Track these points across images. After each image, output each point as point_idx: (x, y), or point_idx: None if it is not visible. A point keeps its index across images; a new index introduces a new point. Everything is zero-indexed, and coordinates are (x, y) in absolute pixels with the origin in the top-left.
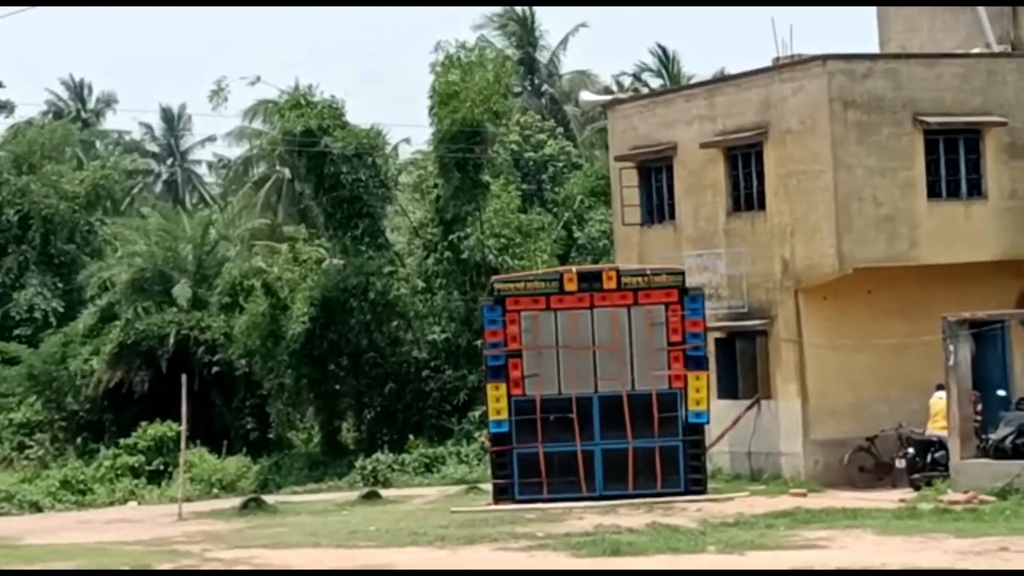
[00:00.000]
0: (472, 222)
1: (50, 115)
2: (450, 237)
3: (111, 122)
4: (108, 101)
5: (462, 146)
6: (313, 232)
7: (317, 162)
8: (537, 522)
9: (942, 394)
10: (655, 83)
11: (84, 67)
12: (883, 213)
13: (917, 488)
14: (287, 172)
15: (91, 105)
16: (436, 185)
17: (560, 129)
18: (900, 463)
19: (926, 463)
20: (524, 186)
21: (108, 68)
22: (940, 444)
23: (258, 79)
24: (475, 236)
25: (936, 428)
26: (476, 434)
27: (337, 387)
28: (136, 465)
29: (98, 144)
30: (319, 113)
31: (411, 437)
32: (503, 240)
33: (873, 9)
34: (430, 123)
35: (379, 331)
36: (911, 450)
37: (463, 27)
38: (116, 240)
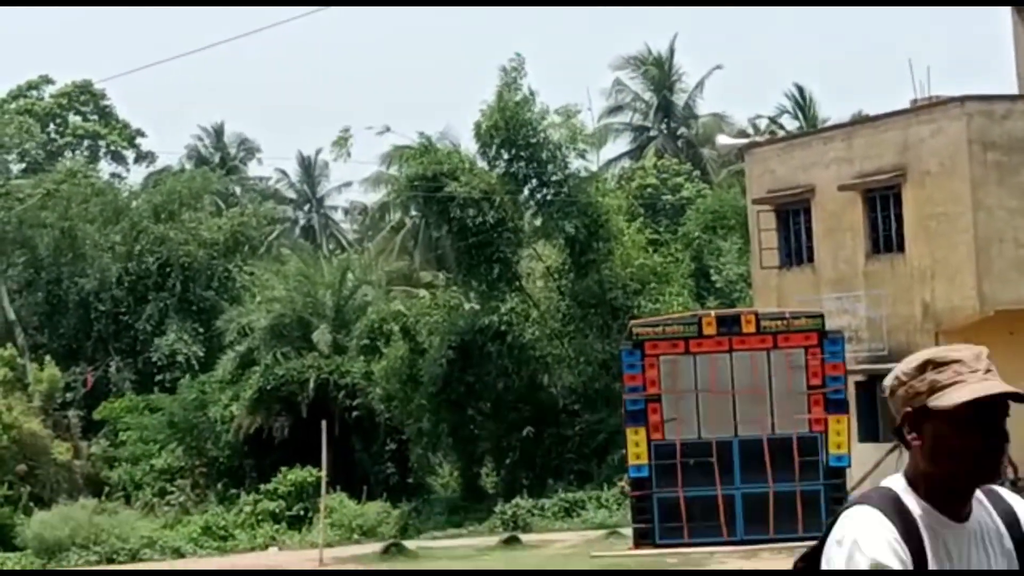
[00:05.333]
0: (601, 265)
1: (192, 161)
2: (584, 281)
3: (252, 170)
4: (249, 148)
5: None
6: (450, 277)
7: (443, 207)
8: (678, 567)
9: None
10: (791, 126)
11: (225, 114)
12: None
13: None
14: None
15: (232, 152)
16: (562, 228)
17: (697, 172)
18: None
19: None
20: (660, 229)
21: (248, 115)
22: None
23: (387, 129)
24: (607, 277)
25: None
26: (616, 478)
27: (476, 431)
28: (277, 511)
29: (238, 191)
30: (439, 159)
31: (551, 481)
32: (637, 283)
33: (1011, 49)
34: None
35: (516, 375)
36: None
37: (602, 68)
38: (255, 285)
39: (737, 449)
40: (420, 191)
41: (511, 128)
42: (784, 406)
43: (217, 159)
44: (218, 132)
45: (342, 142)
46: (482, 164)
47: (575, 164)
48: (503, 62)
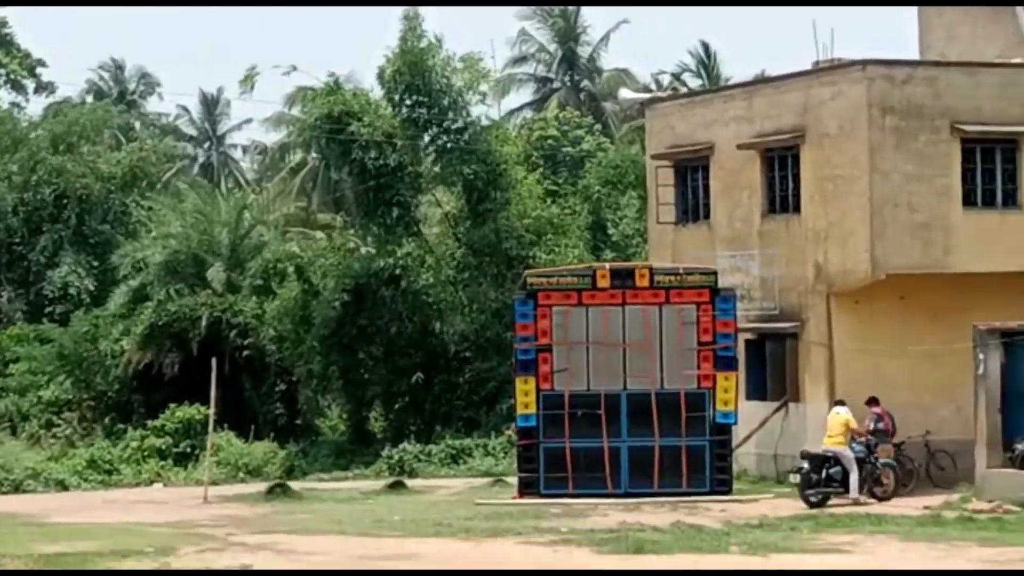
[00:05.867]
0: (498, 214)
1: (92, 94)
2: (481, 229)
3: (152, 105)
4: (150, 83)
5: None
6: (347, 220)
7: (346, 148)
8: (561, 517)
9: (839, 410)
10: (694, 83)
11: (128, 50)
12: (918, 220)
13: (811, 504)
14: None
15: (132, 87)
16: (461, 172)
17: (598, 126)
18: (795, 478)
19: (821, 478)
20: (560, 181)
21: (151, 51)
22: (835, 460)
23: (293, 68)
24: (503, 226)
25: (831, 443)
26: (503, 427)
27: (366, 375)
28: (163, 447)
29: (137, 126)
30: (345, 99)
31: (438, 428)
32: (533, 234)
33: (914, 16)
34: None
35: (409, 320)
36: (805, 465)
37: (508, 18)
38: (151, 221)
39: (625, 402)
40: (324, 130)
41: (414, 74)
42: (674, 361)
43: (116, 93)
44: (119, 66)
45: (248, 79)
46: (386, 110)
47: (476, 111)
48: (404, 9)
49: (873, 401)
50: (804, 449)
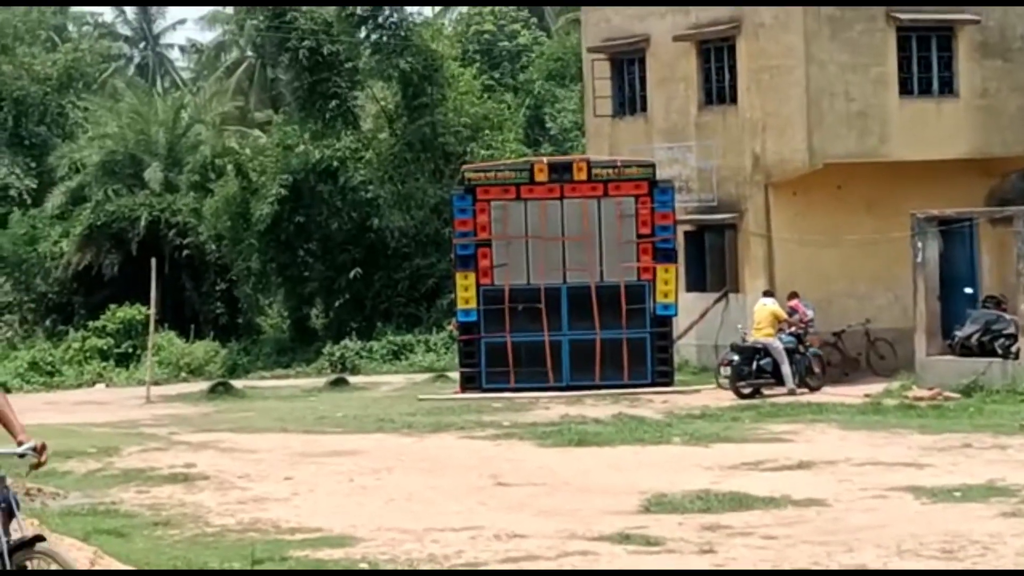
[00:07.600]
0: (434, 109)
1: None
2: (417, 123)
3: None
4: None
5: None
6: (286, 118)
7: (284, 39)
8: (503, 411)
9: (766, 301)
10: None
11: None
12: (854, 109)
13: (742, 396)
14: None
15: None
16: (397, 65)
17: (534, 20)
18: (725, 371)
19: (752, 370)
20: (496, 75)
21: None
22: (765, 351)
23: None
24: (440, 121)
25: (760, 335)
26: (444, 322)
27: (305, 272)
28: (105, 348)
29: (71, 27)
30: None
31: (379, 324)
32: (470, 130)
33: None
34: None
35: (348, 216)
36: (736, 357)
37: None
38: (88, 122)
39: (565, 296)
40: (262, 20)
41: None
42: (613, 254)
43: None
44: None
45: None
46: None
47: (410, 8)
48: None
49: (792, 295)
50: (734, 342)
